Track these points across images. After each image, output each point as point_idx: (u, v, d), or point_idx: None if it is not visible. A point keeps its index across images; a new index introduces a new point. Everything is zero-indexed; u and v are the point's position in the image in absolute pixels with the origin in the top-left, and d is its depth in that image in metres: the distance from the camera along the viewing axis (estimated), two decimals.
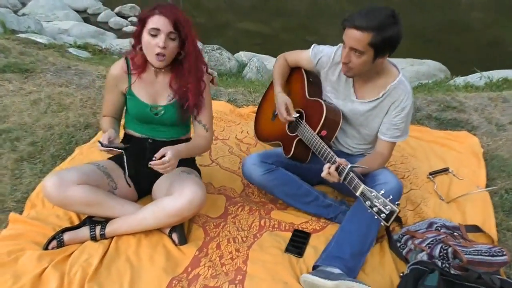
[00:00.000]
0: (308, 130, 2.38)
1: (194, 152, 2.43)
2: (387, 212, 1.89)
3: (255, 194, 2.73)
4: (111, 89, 2.38)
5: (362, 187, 2.00)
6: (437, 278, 1.94)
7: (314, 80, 2.61)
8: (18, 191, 2.64)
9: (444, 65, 6.54)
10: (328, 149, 2.25)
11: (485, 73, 5.55)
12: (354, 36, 2.10)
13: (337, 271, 2.08)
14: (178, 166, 2.42)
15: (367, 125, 2.43)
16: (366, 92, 2.38)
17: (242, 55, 6.29)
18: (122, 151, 2.14)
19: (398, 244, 2.32)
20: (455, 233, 2.30)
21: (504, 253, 2.07)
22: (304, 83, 2.58)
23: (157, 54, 2.16)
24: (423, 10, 11.19)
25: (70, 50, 5.55)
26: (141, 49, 2.24)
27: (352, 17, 2.11)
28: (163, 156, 2.11)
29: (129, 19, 10.02)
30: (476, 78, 5.36)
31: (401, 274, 2.08)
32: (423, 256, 2.15)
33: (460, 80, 5.18)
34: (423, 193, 2.75)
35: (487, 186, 2.81)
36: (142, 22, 2.18)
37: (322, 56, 2.47)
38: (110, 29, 9.21)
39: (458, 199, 2.66)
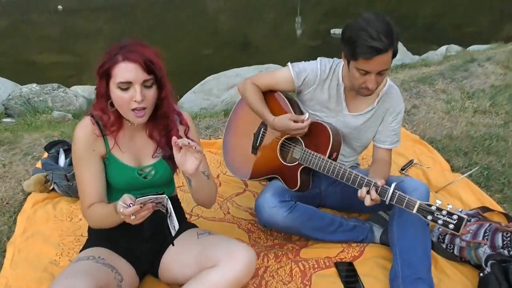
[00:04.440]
0: (316, 156, 2.15)
1: (210, 191, 1.94)
2: (455, 222, 1.79)
3: (262, 238, 2.40)
4: (88, 158, 1.77)
5: (418, 203, 1.87)
6: None
7: (293, 101, 2.39)
8: None
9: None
10: (355, 172, 2.06)
11: None
12: (381, 61, 1.93)
13: None
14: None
15: (359, 137, 2.33)
16: (358, 104, 2.27)
17: (79, 90, 5.54)
18: (164, 195, 1.56)
19: (444, 246, 2.27)
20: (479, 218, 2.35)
21: None
22: (288, 106, 2.33)
23: (134, 110, 1.69)
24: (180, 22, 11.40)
25: None
26: (112, 105, 1.73)
27: (370, 47, 1.89)
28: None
29: None
30: None
31: (481, 275, 2.03)
32: (485, 250, 2.13)
33: None
34: None
35: (452, 168, 2.96)
36: (105, 76, 1.67)
37: (307, 75, 2.24)
38: None
39: (446, 187, 2.73)
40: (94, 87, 1.81)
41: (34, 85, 4.99)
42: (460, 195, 2.65)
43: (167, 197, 1.57)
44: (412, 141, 3.27)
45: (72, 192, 2.61)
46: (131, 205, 1.51)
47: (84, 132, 1.76)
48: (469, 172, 2.79)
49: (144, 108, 1.69)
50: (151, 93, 1.70)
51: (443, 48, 6.92)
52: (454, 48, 6.74)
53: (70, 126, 3.86)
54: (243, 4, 13.33)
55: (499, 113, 3.66)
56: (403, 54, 6.99)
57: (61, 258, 2.20)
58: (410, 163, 2.97)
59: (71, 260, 2.17)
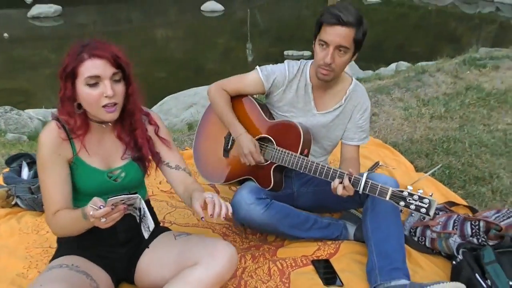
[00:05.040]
0: (288, 154, 2.19)
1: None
2: (426, 206, 1.87)
3: (237, 241, 2.38)
4: (54, 162, 1.69)
5: (390, 189, 1.93)
6: (492, 252, 2.01)
7: (263, 105, 2.42)
8: None
9: None
10: (327, 166, 2.11)
11: None
12: (341, 33, 2.04)
13: (404, 281, 1.96)
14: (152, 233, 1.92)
15: (329, 136, 2.37)
16: (326, 102, 2.33)
17: (32, 113, 5.40)
18: (136, 195, 1.52)
19: (415, 239, 2.32)
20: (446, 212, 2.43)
21: None
22: (257, 108, 2.36)
23: (105, 106, 1.64)
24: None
25: None
26: (79, 107, 1.69)
27: (333, 14, 2.03)
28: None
29: None
30: None
31: (454, 262, 2.09)
32: (455, 239, 2.18)
33: None
34: None
35: (416, 169, 3.06)
36: (70, 76, 1.62)
37: (276, 76, 2.29)
38: None
39: (412, 185, 2.78)
40: (47, 110, 1.75)
41: None
42: (426, 192, 2.71)
43: (140, 196, 1.53)
44: (376, 145, 3.35)
45: (37, 205, 2.51)
46: (101, 207, 1.45)
47: (49, 136, 1.69)
48: (432, 170, 2.88)
49: (115, 104, 1.66)
50: (120, 88, 1.67)
51: (393, 65, 7.21)
52: (404, 64, 7.01)
53: (28, 145, 3.74)
54: (192, 32, 13.41)
55: (453, 118, 3.82)
56: (356, 71, 7.22)
57: (29, 271, 2.11)
58: (376, 164, 3.04)
59: (40, 271, 2.08)
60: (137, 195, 1.52)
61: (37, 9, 12.34)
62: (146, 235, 1.61)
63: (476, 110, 3.94)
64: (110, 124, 1.77)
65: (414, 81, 4.61)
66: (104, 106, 1.64)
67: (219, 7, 13.35)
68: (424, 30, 12.64)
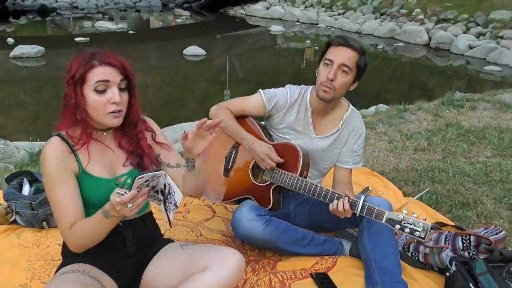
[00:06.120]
0: (287, 175, 2.28)
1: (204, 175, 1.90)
2: (420, 229, 1.95)
3: None
4: (63, 176, 1.70)
5: (386, 213, 2.02)
6: (484, 264, 2.11)
7: (262, 126, 2.53)
8: None
9: None
10: (326, 187, 2.21)
11: None
12: (346, 53, 2.21)
13: None
14: (158, 243, 1.98)
15: (326, 159, 2.48)
16: (324, 127, 2.44)
17: (19, 144, 5.39)
18: (161, 171, 1.55)
19: (409, 254, 2.41)
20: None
21: (500, 229, 2.37)
22: (258, 129, 2.48)
23: (112, 112, 1.70)
24: None
25: None
26: (84, 113, 1.73)
27: (341, 37, 2.24)
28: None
29: None
30: None
31: (448, 274, 2.18)
32: (448, 253, 2.28)
33: None
34: None
35: (404, 194, 3.17)
36: (79, 81, 1.67)
37: (278, 99, 2.41)
38: None
39: (401, 208, 2.90)
40: (35, 143, 1.74)
41: None
42: (419, 216, 2.82)
43: (164, 172, 1.56)
44: (365, 173, 3.47)
45: (37, 222, 2.51)
46: (126, 192, 1.49)
47: (54, 150, 1.70)
48: (420, 194, 3.01)
49: (120, 111, 1.72)
50: (125, 96, 1.74)
51: (373, 108, 7.43)
52: (384, 107, 7.23)
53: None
54: (171, 78, 13.63)
55: (436, 151, 3.99)
56: None
57: (32, 282, 2.12)
58: (366, 189, 3.15)
59: (43, 282, 2.09)
60: (162, 171, 1.55)
61: (20, 50, 12.33)
62: (171, 216, 1.62)
63: (457, 145, 4.12)
64: (111, 132, 1.83)
65: (396, 118, 4.81)
66: (111, 113, 1.70)
67: (201, 51, 13.62)
68: (399, 80, 13.10)
